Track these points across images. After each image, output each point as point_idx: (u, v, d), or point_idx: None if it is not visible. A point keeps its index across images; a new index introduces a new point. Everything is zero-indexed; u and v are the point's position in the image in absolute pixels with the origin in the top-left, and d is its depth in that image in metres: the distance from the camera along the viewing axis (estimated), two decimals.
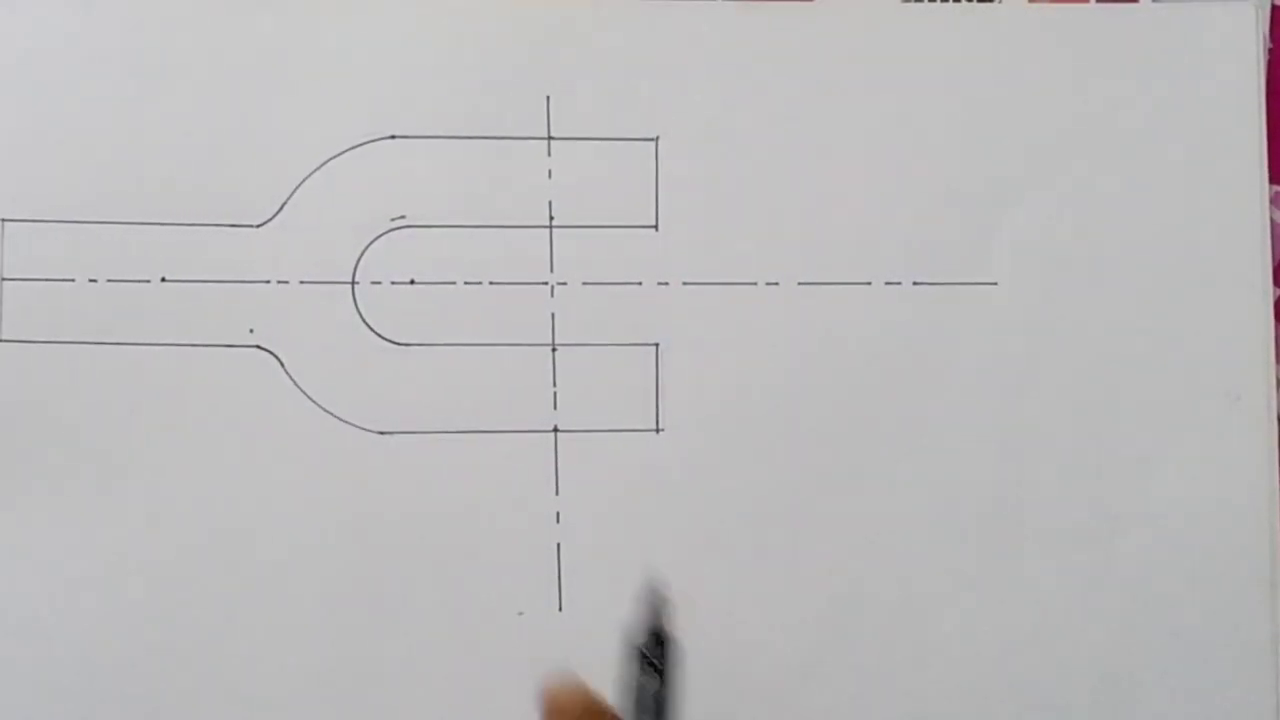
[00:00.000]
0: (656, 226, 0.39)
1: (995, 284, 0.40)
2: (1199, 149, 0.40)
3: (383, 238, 0.38)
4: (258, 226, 0.38)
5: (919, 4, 0.40)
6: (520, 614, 0.38)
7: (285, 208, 0.38)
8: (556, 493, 0.38)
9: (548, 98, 0.39)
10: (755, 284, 0.39)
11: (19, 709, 0.37)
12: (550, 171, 0.39)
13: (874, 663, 0.39)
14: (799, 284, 0.39)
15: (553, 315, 0.39)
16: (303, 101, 0.38)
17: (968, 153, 0.40)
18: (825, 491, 0.39)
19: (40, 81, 0.38)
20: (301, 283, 0.38)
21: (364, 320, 0.38)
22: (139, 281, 0.38)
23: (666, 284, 0.39)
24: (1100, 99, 0.40)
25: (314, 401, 0.38)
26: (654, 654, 0.31)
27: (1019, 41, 0.40)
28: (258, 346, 0.38)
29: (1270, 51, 0.41)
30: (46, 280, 0.38)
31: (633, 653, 0.31)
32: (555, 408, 0.39)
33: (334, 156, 0.38)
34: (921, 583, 0.39)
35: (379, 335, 0.38)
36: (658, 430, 0.39)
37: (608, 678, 0.38)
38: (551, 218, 0.39)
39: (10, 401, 0.37)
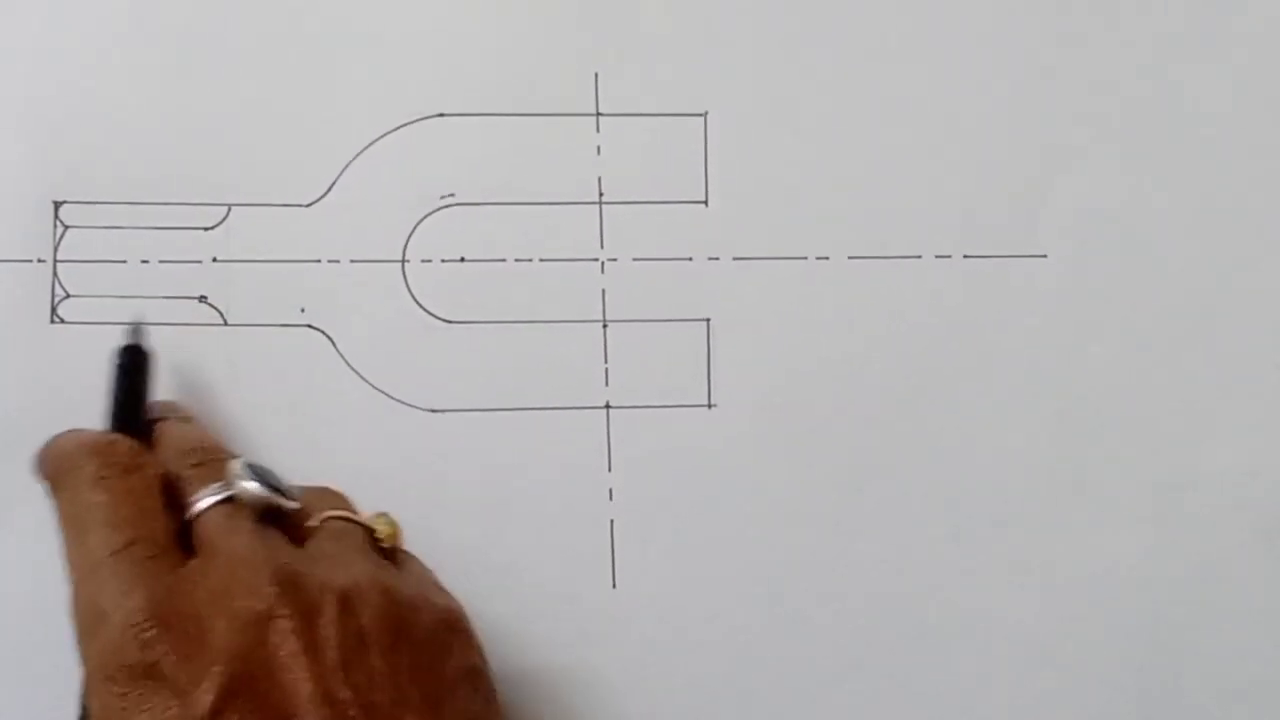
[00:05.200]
0: (706, 202, 0.39)
1: (1045, 256, 0.40)
2: (1254, 117, 0.40)
3: (432, 216, 0.38)
4: (307, 206, 0.38)
5: None
6: (574, 591, 0.38)
7: (334, 187, 0.38)
8: (609, 469, 0.38)
9: (596, 74, 0.39)
10: (805, 258, 0.39)
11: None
12: (599, 148, 0.39)
13: (931, 633, 0.39)
14: (849, 258, 0.39)
15: (603, 291, 0.39)
16: (350, 81, 0.38)
17: (1017, 123, 0.40)
18: (877, 465, 0.39)
19: (88, 64, 0.38)
20: (352, 261, 0.38)
21: (414, 298, 0.38)
22: (190, 262, 0.38)
23: (717, 259, 0.39)
24: (1151, 67, 0.40)
25: (365, 380, 0.38)
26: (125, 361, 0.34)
27: (1070, 8, 0.40)
28: (309, 326, 0.38)
29: None
30: (100, 262, 0.38)
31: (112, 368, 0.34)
32: (607, 384, 0.39)
33: (382, 135, 0.38)
34: (977, 556, 0.39)
35: (430, 313, 0.38)
36: (710, 405, 0.39)
37: (665, 654, 0.38)
38: (601, 194, 0.39)
39: (66, 384, 0.37)
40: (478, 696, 0.30)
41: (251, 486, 0.30)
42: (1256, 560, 0.40)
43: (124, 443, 0.31)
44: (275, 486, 0.31)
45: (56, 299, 0.38)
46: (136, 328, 0.35)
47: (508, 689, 0.38)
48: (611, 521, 0.38)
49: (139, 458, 0.31)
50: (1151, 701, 0.39)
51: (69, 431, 0.33)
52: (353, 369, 0.38)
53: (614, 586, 0.38)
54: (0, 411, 0.37)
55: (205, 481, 0.30)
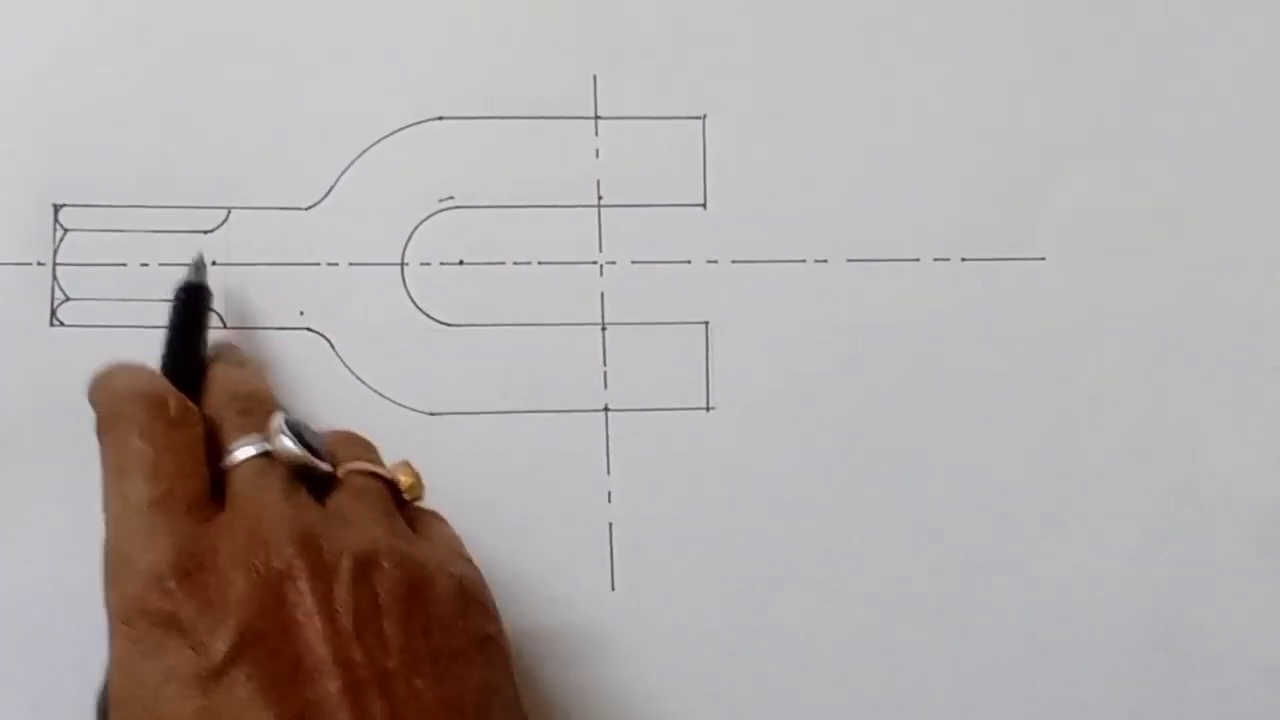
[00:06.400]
0: (705, 205, 0.39)
1: (1043, 259, 0.40)
2: (1253, 118, 0.40)
3: (431, 219, 0.39)
4: (306, 209, 0.38)
5: None
6: (572, 593, 0.38)
7: (334, 190, 0.38)
8: (608, 472, 0.39)
9: (595, 77, 0.39)
10: (804, 261, 0.39)
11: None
12: (598, 151, 0.39)
13: (930, 634, 0.39)
14: (847, 261, 0.39)
15: (602, 294, 0.39)
16: (350, 84, 0.39)
17: (1016, 126, 0.40)
18: (876, 467, 0.39)
19: (88, 66, 0.38)
20: (351, 264, 0.38)
21: (413, 301, 0.38)
22: (189, 265, 0.38)
23: (715, 262, 0.39)
24: (1150, 68, 0.40)
25: (364, 383, 0.38)
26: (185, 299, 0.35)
27: (1068, 9, 0.40)
28: (308, 329, 0.38)
29: None
30: (99, 265, 0.38)
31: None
32: (605, 387, 0.39)
33: (382, 138, 0.39)
34: (973, 560, 0.39)
35: (428, 316, 0.38)
36: (708, 409, 0.39)
37: (664, 657, 0.39)
38: (600, 197, 0.39)
39: (65, 386, 0.37)
40: (491, 664, 0.30)
41: (287, 445, 0.31)
42: (1255, 560, 0.40)
43: (174, 397, 0.32)
44: (311, 446, 0.31)
45: (56, 302, 0.38)
46: (199, 265, 0.35)
47: None
48: (610, 524, 0.39)
49: (186, 413, 0.31)
50: (1151, 701, 0.39)
51: (125, 367, 0.33)
52: (352, 372, 0.38)
53: (613, 589, 0.38)
54: (0, 414, 0.37)
55: (245, 431, 0.31)
